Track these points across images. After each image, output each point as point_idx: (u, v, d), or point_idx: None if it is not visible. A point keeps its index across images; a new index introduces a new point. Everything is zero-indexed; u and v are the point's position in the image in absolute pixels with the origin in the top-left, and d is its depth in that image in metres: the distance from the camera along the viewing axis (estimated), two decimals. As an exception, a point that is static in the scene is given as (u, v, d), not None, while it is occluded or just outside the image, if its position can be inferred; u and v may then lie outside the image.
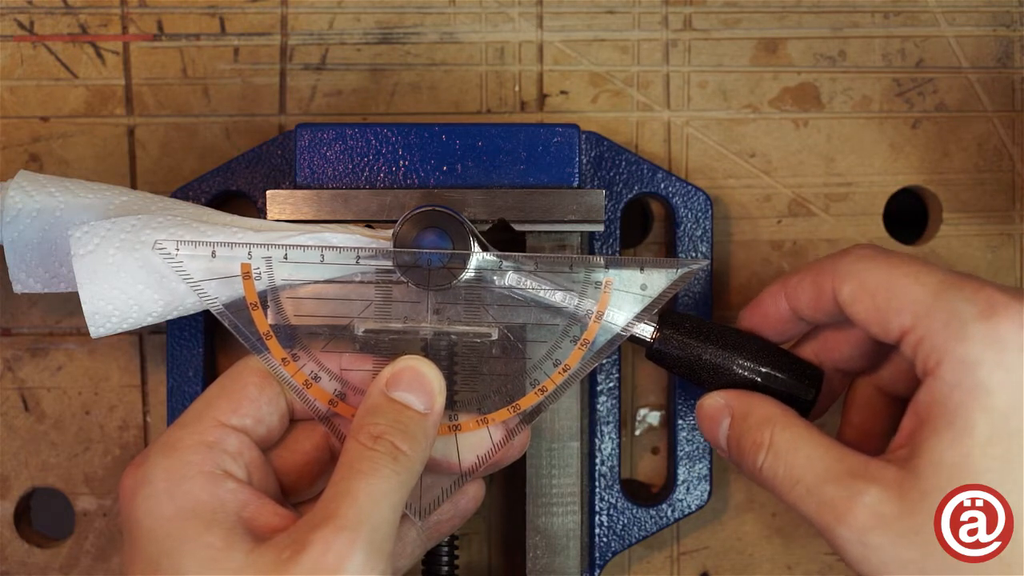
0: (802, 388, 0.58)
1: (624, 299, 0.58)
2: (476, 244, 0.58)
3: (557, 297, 0.58)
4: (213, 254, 0.57)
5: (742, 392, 0.57)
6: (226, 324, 0.57)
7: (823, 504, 0.52)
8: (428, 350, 0.58)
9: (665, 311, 0.59)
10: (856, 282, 0.54)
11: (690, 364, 0.58)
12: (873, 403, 0.59)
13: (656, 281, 0.58)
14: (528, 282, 0.58)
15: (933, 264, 0.54)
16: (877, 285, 0.53)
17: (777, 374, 0.57)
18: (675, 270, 0.58)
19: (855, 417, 0.60)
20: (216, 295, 0.57)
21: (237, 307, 0.57)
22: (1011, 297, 0.51)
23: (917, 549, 0.50)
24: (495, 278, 0.58)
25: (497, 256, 0.58)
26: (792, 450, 0.53)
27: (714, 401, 0.57)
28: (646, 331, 0.58)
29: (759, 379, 0.57)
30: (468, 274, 0.58)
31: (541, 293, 0.58)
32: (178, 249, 0.57)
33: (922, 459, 0.50)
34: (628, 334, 0.58)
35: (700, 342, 0.58)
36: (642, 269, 0.58)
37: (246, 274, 0.57)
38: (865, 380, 0.60)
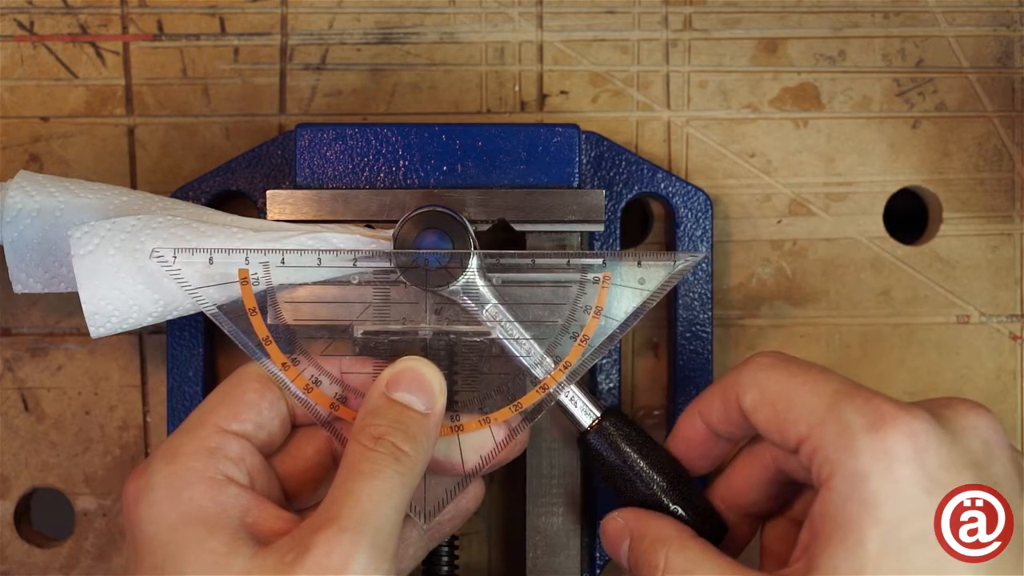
0: (702, 533, 0.56)
1: (622, 294, 0.58)
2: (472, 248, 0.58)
3: (522, 349, 0.58)
4: (210, 260, 0.57)
5: (641, 512, 0.57)
6: (225, 330, 0.57)
7: None
8: (428, 350, 0.58)
9: (614, 407, 0.58)
10: (757, 391, 0.54)
11: (611, 467, 0.58)
12: (788, 533, 0.58)
13: (654, 275, 0.58)
14: (506, 326, 0.58)
15: (831, 372, 0.54)
16: (777, 394, 0.53)
17: (684, 512, 0.57)
18: (672, 263, 0.58)
19: (775, 546, 0.59)
20: (214, 301, 0.57)
21: (236, 312, 0.57)
22: (900, 409, 0.51)
23: None
24: (481, 303, 0.58)
25: (494, 256, 0.58)
26: (687, 572, 0.53)
27: (615, 522, 0.57)
28: (586, 419, 0.58)
29: (668, 508, 0.57)
30: (463, 280, 0.58)
31: (510, 342, 0.58)
32: (175, 256, 0.57)
33: (817, 573, 0.50)
34: (571, 404, 0.58)
35: (630, 451, 0.58)
36: (640, 263, 0.58)
37: (244, 279, 0.57)
38: (777, 517, 0.59)
